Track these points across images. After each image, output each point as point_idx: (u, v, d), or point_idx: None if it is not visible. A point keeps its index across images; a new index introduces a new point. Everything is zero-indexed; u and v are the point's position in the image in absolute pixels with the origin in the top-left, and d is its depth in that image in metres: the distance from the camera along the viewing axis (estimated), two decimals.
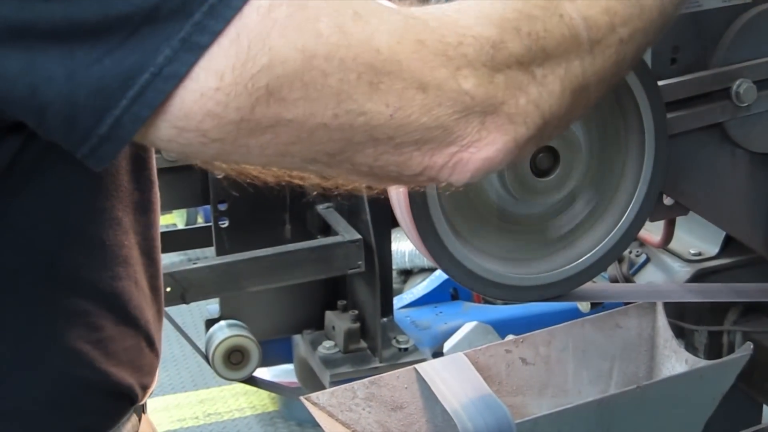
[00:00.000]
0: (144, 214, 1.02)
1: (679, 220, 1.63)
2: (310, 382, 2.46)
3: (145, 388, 1.04)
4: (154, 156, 1.04)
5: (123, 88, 0.72)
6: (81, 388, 0.96)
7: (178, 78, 0.72)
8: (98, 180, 0.95)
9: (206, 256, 2.44)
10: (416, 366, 1.27)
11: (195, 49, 0.72)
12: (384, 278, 2.31)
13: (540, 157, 1.31)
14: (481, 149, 0.79)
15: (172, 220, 4.61)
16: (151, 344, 1.04)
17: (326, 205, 2.39)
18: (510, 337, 1.36)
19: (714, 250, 1.73)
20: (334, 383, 2.16)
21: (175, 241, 2.61)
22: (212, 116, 0.74)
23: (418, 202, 1.27)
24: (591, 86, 0.84)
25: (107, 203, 0.96)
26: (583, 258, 1.38)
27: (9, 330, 0.91)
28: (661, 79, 1.38)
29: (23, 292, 0.91)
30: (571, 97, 0.82)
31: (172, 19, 0.72)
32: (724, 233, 1.71)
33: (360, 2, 0.75)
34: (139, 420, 1.07)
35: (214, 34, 0.72)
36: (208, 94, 0.73)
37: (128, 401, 1.02)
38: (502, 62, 0.78)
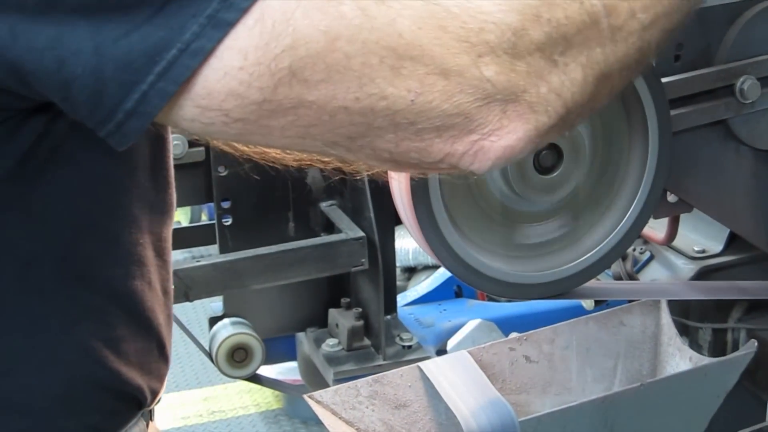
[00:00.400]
0: (159, 214, 1.02)
1: (683, 217, 1.63)
2: (314, 379, 2.46)
3: (154, 393, 1.03)
4: (171, 157, 1.04)
5: (150, 63, 0.72)
6: (91, 385, 0.96)
7: (204, 54, 0.72)
8: (116, 175, 0.95)
9: (210, 254, 2.44)
10: (420, 364, 1.27)
11: (222, 25, 0.72)
12: (388, 276, 2.31)
13: (543, 154, 1.31)
14: (503, 137, 0.78)
15: (176, 217, 4.60)
16: (162, 349, 1.03)
17: (330, 202, 2.39)
18: (514, 334, 1.36)
19: (718, 247, 1.73)
20: (337, 381, 2.16)
21: (178, 238, 2.57)
22: (235, 96, 0.74)
23: (420, 199, 1.27)
24: (614, 73, 0.83)
25: (124, 199, 0.96)
26: (587, 255, 1.38)
27: (22, 321, 0.91)
28: (664, 76, 1.38)
29: (37, 283, 0.91)
30: (594, 85, 0.81)
31: None
32: (728, 230, 1.72)
33: None
34: (147, 426, 1.06)
35: (241, 11, 0.72)
36: (231, 73, 0.73)
37: (136, 404, 1.01)
38: (524, 50, 0.77)
